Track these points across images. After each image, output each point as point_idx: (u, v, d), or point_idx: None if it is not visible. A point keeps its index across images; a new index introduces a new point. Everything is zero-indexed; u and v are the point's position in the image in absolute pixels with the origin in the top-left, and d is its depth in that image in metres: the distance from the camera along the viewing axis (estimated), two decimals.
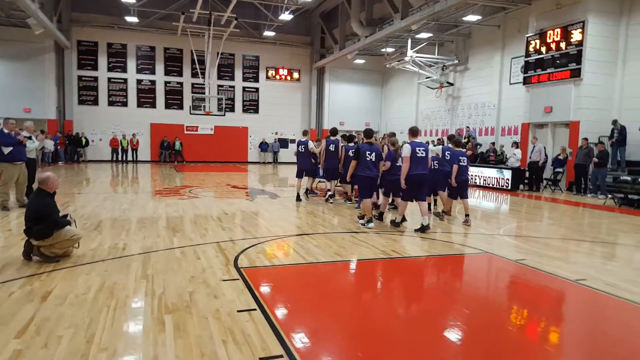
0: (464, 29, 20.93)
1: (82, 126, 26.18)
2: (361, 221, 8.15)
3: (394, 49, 24.40)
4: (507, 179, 14.61)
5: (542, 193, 14.51)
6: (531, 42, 15.86)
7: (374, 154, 8.06)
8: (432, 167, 8.61)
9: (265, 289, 4.62)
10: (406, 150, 7.52)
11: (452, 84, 22.12)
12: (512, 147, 15.25)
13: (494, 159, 17.21)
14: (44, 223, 5.39)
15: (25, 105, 24.49)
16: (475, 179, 16.11)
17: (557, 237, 7.76)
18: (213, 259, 5.69)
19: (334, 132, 11.24)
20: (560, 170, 14.22)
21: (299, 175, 11.53)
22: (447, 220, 9.00)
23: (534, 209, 11.13)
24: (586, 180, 13.50)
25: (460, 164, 8.49)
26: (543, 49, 15.31)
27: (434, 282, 5.31)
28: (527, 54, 16.05)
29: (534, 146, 14.50)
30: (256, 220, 8.79)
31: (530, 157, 14.67)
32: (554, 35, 14.83)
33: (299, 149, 11.37)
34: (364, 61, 28.30)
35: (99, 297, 4.22)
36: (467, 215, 8.49)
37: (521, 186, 14.95)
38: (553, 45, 14.88)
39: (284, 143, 30.33)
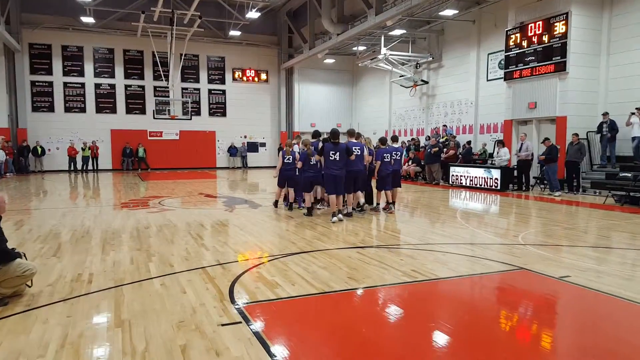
0: (437, 25, 20.46)
1: (37, 134, 24.37)
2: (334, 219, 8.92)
3: (365, 47, 23.77)
4: (496, 179, 14.10)
5: (532, 192, 14.07)
6: (511, 36, 15.46)
7: (338, 153, 8.85)
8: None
9: (279, 336, 3.68)
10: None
11: (426, 82, 21.63)
12: (497, 145, 14.74)
13: (478, 157, 16.73)
14: None
15: None
16: (462, 180, 15.56)
17: (587, 244, 7.00)
18: (202, 292, 4.72)
19: (315, 135, 10.70)
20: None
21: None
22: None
23: (539, 211, 10.44)
24: (579, 177, 13.11)
25: (385, 160, 9.77)
26: (524, 43, 14.90)
27: (486, 314, 4.27)
28: (507, 49, 15.64)
29: (522, 143, 14.04)
30: (242, 235, 7.82)
31: (518, 155, 14.20)
32: (535, 28, 14.44)
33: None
34: (334, 60, 27.56)
35: None
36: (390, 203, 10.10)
37: (510, 185, 14.46)
38: (535, 39, 14.49)
39: (253, 147, 29.25)
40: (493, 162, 15.36)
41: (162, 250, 6.64)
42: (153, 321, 3.94)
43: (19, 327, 3.88)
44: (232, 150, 28.39)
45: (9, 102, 23.58)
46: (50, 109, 24.86)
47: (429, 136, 21.06)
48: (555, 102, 14.06)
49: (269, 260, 5.96)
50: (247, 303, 4.37)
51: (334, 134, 9.00)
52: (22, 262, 4.58)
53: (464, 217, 9.78)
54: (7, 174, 21.65)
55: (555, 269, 5.51)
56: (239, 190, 16.07)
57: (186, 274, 5.38)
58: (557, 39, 13.70)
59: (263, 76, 29.02)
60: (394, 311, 4.24)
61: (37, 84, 24.56)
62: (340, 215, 9.04)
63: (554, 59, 13.86)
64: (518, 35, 15.17)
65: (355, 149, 9.14)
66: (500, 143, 14.71)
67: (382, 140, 10.09)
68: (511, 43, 15.48)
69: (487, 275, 5.39)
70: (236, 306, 4.28)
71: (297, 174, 10.04)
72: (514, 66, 15.41)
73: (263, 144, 29.60)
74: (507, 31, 15.71)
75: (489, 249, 6.57)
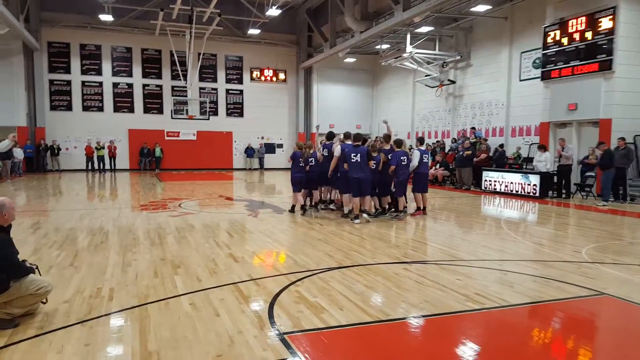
0: (466, 22, 19.67)
1: (54, 133, 24.11)
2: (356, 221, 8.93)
3: (389, 46, 23.05)
4: (535, 185, 13.23)
5: (573, 200, 13.18)
6: (549, 33, 14.60)
7: (359, 155, 8.87)
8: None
9: None
10: (337, 151, 9.21)
11: (453, 82, 20.84)
12: (539, 150, 13.81)
13: (512, 162, 15.87)
14: None
15: None
16: (495, 185, 14.73)
17: None
18: (238, 315, 4.09)
19: (330, 136, 10.29)
20: (592, 174, 12.90)
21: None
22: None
23: (591, 222, 9.53)
24: (625, 185, 12.21)
25: (402, 163, 9.38)
26: (564, 40, 14.05)
27: (584, 354, 3.61)
28: (545, 46, 14.79)
29: (563, 148, 13.16)
30: (271, 244, 7.20)
31: (558, 160, 13.32)
32: (577, 24, 13.58)
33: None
34: (355, 60, 26.87)
35: None
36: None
37: (549, 192, 13.55)
38: (577, 36, 13.63)
39: (270, 148, 28.69)
40: (532, 167, 14.41)
41: (187, 260, 6.05)
42: (186, 354, 3.33)
43: (30, 355, 3.30)
44: (249, 151, 27.87)
45: (28, 100, 23.35)
46: (68, 107, 24.62)
47: (455, 138, 20.27)
48: (599, 103, 13.17)
49: (306, 277, 5.32)
50: (291, 332, 3.72)
51: (356, 136, 9.23)
52: (35, 278, 4.00)
53: (510, 228, 9.02)
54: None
55: None
56: (260, 193, 15.49)
57: (217, 291, 4.76)
58: (603, 35, 12.83)
59: (281, 76, 28.47)
60: (470, 349, 3.54)
61: (55, 82, 24.34)
62: (365, 216, 9.11)
63: (598, 57, 12.98)
64: (557, 32, 14.31)
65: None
66: (542, 147, 13.79)
67: (398, 143, 9.59)
68: (549, 40, 14.63)
69: (566, 301, 4.63)
70: (279, 336, 3.64)
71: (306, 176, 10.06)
72: (552, 65, 14.56)
73: (280, 145, 29.02)
74: (544, 28, 14.87)
75: (553, 268, 5.83)
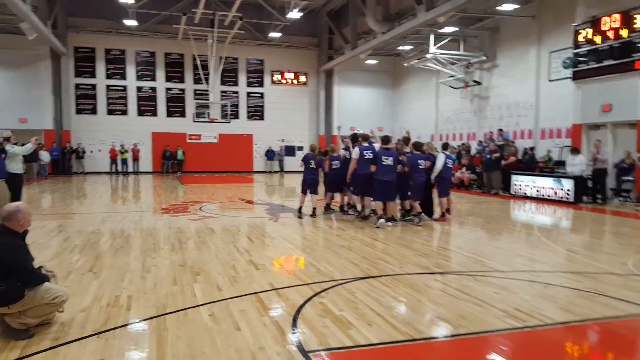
0: (491, 22, 19.17)
1: (80, 136, 24.46)
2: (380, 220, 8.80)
3: (411, 47, 22.66)
4: (568, 190, 12.68)
5: (609, 205, 12.58)
6: (580, 31, 14.07)
7: (391, 158, 8.81)
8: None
9: None
10: (355, 153, 9.25)
11: (479, 83, 20.32)
12: (572, 153, 13.24)
13: (543, 165, 15.30)
14: (11, 279, 3.60)
15: (21, 115, 22.98)
16: (526, 190, 14.20)
17: None
18: (260, 328, 3.86)
19: (354, 138, 10.16)
20: (630, 178, 12.30)
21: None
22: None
23: (632, 230, 9.02)
24: None
25: (420, 167, 9.17)
26: (597, 39, 13.50)
27: None
28: (576, 45, 14.25)
29: (599, 150, 12.59)
30: (293, 251, 6.97)
31: (593, 164, 12.75)
32: (611, 22, 13.03)
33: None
34: (376, 62, 26.54)
35: None
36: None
37: (584, 197, 12.98)
38: (611, 34, 13.07)
39: (290, 150, 28.51)
40: (564, 170, 13.83)
41: (207, 267, 5.86)
42: None
43: None
44: (270, 154, 27.77)
45: (55, 104, 23.75)
46: (93, 111, 24.95)
47: (480, 141, 19.75)
48: (636, 104, 12.56)
49: (331, 287, 5.06)
50: (317, 350, 3.47)
51: (386, 139, 9.30)
52: (51, 287, 3.85)
53: (545, 235, 8.59)
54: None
55: None
56: (280, 197, 15.30)
57: (237, 302, 4.55)
58: (639, 33, 12.27)
59: (302, 78, 28.35)
60: None
61: (81, 86, 24.70)
62: (382, 220, 8.85)
63: (634, 55, 12.41)
64: (589, 30, 13.77)
65: (367, 152, 9.16)
66: (575, 150, 13.22)
67: (417, 145, 9.48)
68: (580, 39, 14.09)
69: (618, 320, 4.24)
70: (304, 355, 3.40)
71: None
72: (585, 65, 14.00)
73: (300, 148, 28.79)
74: (575, 26, 14.34)
75: (599, 280, 5.43)
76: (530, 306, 4.48)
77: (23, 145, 9.12)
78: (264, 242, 7.66)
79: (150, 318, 4.09)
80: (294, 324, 3.98)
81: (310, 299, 4.64)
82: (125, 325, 3.95)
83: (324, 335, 3.75)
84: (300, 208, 10.21)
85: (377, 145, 9.45)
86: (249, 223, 9.59)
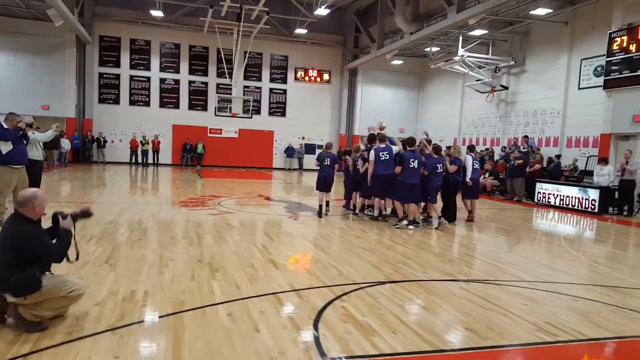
0: (522, 26, 18.74)
1: (101, 125, 24.64)
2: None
3: (439, 48, 22.29)
4: (594, 200, 12.31)
5: (636, 217, 12.18)
6: (616, 39, 13.62)
7: (416, 161, 8.80)
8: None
9: None
10: (371, 155, 9.20)
11: (506, 88, 19.89)
12: (599, 163, 12.83)
13: (569, 174, 14.89)
14: (30, 268, 3.50)
15: (44, 102, 23.12)
16: (550, 198, 13.83)
17: None
18: (279, 331, 3.70)
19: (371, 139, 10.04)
20: None
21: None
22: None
23: None
24: None
25: (437, 170, 9.11)
26: (632, 47, 13.05)
27: None
28: (610, 53, 13.81)
29: (628, 161, 12.19)
30: (313, 251, 6.80)
31: (621, 174, 12.35)
32: None
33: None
34: (402, 62, 26.20)
35: None
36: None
37: (609, 208, 12.60)
38: None
39: (310, 149, 28.32)
40: (590, 181, 13.44)
41: (225, 263, 5.73)
42: None
43: None
44: (289, 151, 27.65)
45: (78, 92, 23.95)
46: (116, 101, 25.08)
47: (504, 147, 19.34)
48: None
49: (352, 290, 4.88)
50: (340, 358, 3.30)
51: (411, 141, 9.13)
52: (68, 279, 3.74)
53: (571, 246, 8.28)
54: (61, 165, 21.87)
55: None
56: (300, 195, 15.15)
57: (257, 302, 4.39)
58: None
59: (325, 76, 28.12)
60: None
61: (104, 76, 24.85)
62: (404, 222, 8.87)
63: None
64: (625, 38, 13.32)
65: (383, 154, 9.13)
66: (603, 160, 12.83)
67: (436, 149, 9.34)
68: (615, 47, 13.64)
69: None
70: None
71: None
72: (618, 74, 13.56)
73: (320, 146, 28.55)
74: (610, 33, 13.88)
75: (631, 296, 5.16)
76: (561, 320, 4.26)
77: (44, 132, 9.11)
78: (283, 240, 7.51)
79: (167, 315, 3.97)
80: (315, 328, 3.81)
81: (331, 302, 4.47)
82: (141, 321, 3.83)
83: (347, 341, 3.57)
84: (320, 207, 10.07)
85: (395, 148, 9.30)
86: (268, 220, 9.46)
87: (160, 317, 3.93)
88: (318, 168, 10.32)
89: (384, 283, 5.19)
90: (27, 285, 3.49)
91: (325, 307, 4.30)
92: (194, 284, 4.83)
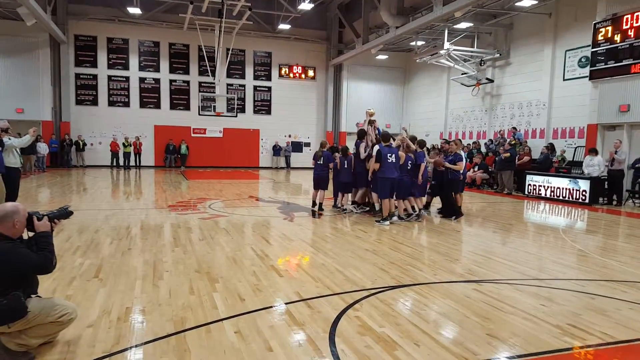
0: (506, 19, 18.69)
1: (79, 128, 23.88)
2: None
3: (424, 42, 22.16)
4: (584, 191, 12.30)
5: (625, 207, 12.23)
6: (600, 29, 13.62)
7: (394, 156, 8.80)
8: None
9: None
10: (377, 154, 8.86)
11: (491, 81, 19.86)
12: (590, 154, 12.83)
13: (557, 165, 14.89)
14: (13, 291, 3.14)
15: (18, 105, 22.37)
16: (540, 190, 13.81)
17: None
18: (294, 349, 3.42)
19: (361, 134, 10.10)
20: None
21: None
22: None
23: None
24: None
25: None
26: (617, 37, 13.06)
27: None
28: (595, 44, 13.80)
29: (617, 151, 12.19)
30: (315, 255, 6.52)
31: (610, 164, 12.35)
32: (632, 20, 12.58)
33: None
34: (387, 57, 26.05)
35: None
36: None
37: (599, 199, 12.63)
38: (631, 32, 12.63)
39: (297, 146, 28.03)
40: (580, 171, 13.44)
41: (225, 272, 5.42)
42: None
43: None
44: (276, 150, 27.28)
45: (53, 94, 23.19)
46: (94, 102, 24.36)
47: (491, 139, 19.34)
48: None
49: (364, 297, 4.62)
50: None
51: (385, 136, 9.09)
52: (58, 302, 3.39)
53: (572, 239, 8.16)
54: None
55: None
56: (289, 194, 14.84)
57: (264, 315, 4.10)
58: None
59: (310, 73, 27.81)
60: None
61: (81, 76, 24.08)
62: (395, 218, 9.11)
63: None
64: (609, 28, 13.32)
65: (390, 155, 8.95)
66: (593, 151, 12.85)
67: (421, 143, 9.76)
68: (600, 37, 13.64)
69: None
70: None
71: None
72: (603, 64, 13.56)
73: (307, 144, 28.35)
74: (595, 24, 13.87)
75: None
76: (584, 321, 4.07)
77: (20, 136, 8.63)
78: (282, 244, 7.21)
79: (169, 336, 3.64)
80: (332, 342, 3.54)
81: (344, 311, 4.20)
82: (140, 345, 3.50)
83: (368, 357, 3.31)
84: (313, 203, 10.25)
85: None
86: (263, 223, 9.15)
87: (160, 338, 3.60)
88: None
89: (394, 287, 4.95)
90: (11, 311, 3.12)
91: (338, 318, 4.03)
92: (194, 298, 4.51)
